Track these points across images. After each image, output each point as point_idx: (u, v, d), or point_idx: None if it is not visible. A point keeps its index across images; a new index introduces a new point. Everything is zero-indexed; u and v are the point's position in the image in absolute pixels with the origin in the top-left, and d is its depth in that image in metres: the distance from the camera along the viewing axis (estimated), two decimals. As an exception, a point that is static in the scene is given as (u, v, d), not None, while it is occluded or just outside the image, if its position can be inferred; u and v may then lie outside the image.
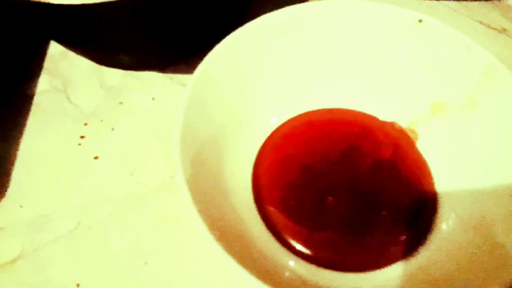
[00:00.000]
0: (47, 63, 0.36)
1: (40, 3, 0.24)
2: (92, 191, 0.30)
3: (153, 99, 0.34)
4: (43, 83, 0.35)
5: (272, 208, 0.27)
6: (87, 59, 0.36)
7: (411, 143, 0.27)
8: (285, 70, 0.28)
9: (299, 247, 0.25)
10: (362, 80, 0.28)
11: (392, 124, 0.28)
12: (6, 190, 0.30)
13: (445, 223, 0.24)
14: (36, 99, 0.34)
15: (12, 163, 0.31)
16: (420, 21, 0.25)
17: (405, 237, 0.24)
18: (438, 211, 0.25)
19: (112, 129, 0.33)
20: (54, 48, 0.37)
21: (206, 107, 0.25)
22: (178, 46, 0.34)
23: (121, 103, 0.34)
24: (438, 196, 0.26)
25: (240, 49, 0.26)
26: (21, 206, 0.30)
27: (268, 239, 0.26)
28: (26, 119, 0.33)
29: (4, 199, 0.30)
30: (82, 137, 0.32)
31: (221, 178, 0.26)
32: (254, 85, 0.27)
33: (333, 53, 0.28)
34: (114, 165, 0.31)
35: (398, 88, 0.27)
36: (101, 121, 0.33)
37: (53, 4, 0.24)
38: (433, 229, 0.24)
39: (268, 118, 0.29)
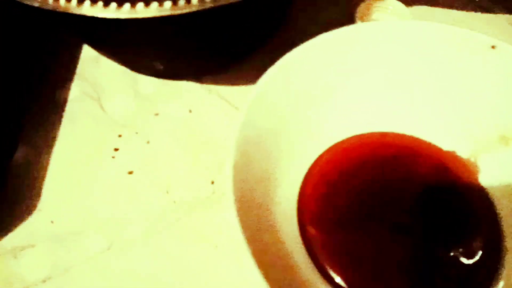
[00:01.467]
0: (79, 68, 0.35)
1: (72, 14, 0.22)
2: (126, 208, 0.29)
3: (190, 111, 0.33)
4: (75, 89, 0.34)
5: (317, 242, 0.25)
6: (121, 65, 0.34)
7: (472, 176, 0.25)
8: (339, 91, 0.26)
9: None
10: (422, 104, 0.26)
11: (452, 154, 0.26)
12: (37, 203, 0.29)
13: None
14: (68, 107, 0.33)
15: (43, 173, 0.30)
16: (493, 47, 0.23)
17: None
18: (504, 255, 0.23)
19: (148, 142, 0.31)
20: (86, 52, 0.36)
21: (258, 133, 0.23)
22: (215, 56, 0.33)
23: (156, 114, 0.32)
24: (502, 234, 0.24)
25: (295, 71, 0.24)
26: (52, 222, 0.28)
27: (311, 270, 0.25)
28: (58, 127, 0.32)
29: (35, 213, 0.29)
30: (116, 149, 0.31)
31: (269, 206, 0.24)
32: (307, 108, 0.26)
33: (391, 75, 0.26)
34: (149, 181, 0.30)
35: (462, 116, 0.25)
36: (136, 133, 0.32)
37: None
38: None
39: (319, 141, 0.27)
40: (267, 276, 0.19)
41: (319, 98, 0.26)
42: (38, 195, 0.29)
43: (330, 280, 0.24)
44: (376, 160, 0.27)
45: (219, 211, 0.29)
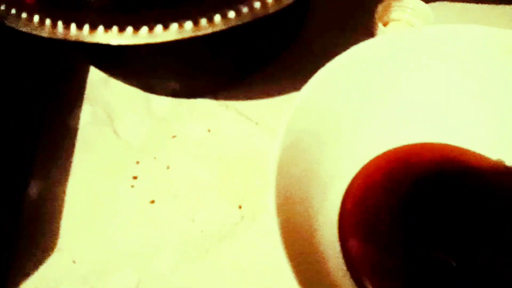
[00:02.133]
0: (88, 91, 0.33)
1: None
2: (151, 241, 0.27)
3: (208, 131, 0.31)
4: (86, 114, 0.32)
5: (357, 257, 0.23)
6: (132, 86, 0.32)
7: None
8: (379, 103, 0.24)
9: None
10: (468, 113, 0.24)
11: (500, 163, 0.24)
12: (56, 242, 0.27)
13: None
14: (80, 133, 0.31)
15: (59, 207, 0.28)
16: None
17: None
18: None
19: (167, 167, 0.29)
20: (94, 74, 0.34)
21: (297, 156, 0.21)
22: (231, 70, 0.31)
23: (174, 136, 0.31)
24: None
25: (333, 84, 0.22)
26: (74, 262, 0.26)
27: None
28: (72, 157, 0.30)
29: (55, 253, 0.27)
30: (134, 177, 0.29)
31: (311, 225, 0.23)
32: (346, 122, 0.24)
33: (435, 82, 0.24)
34: (173, 210, 0.28)
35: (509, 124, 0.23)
36: (154, 158, 0.30)
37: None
38: None
39: (360, 154, 0.25)
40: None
41: (358, 111, 0.24)
42: (56, 232, 0.27)
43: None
44: (420, 173, 0.25)
45: (250, 237, 0.27)
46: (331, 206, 0.25)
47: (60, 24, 0.20)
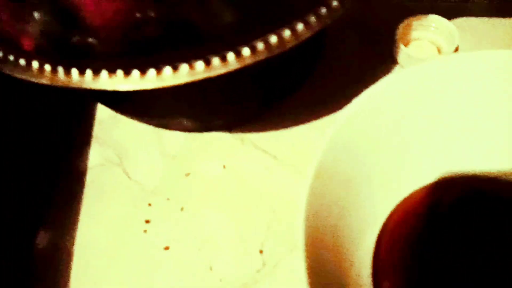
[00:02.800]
0: (96, 130, 0.32)
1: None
2: (166, 292, 0.25)
3: (224, 167, 0.29)
4: (95, 156, 0.30)
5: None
6: (142, 123, 0.31)
7: None
8: (413, 136, 0.22)
9: None
10: (503, 140, 0.22)
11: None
12: (65, 296, 0.25)
13: None
14: (89, 176, 0.29)
15: (69, 257, 0.26)
16: None
17: None
18: None
19: (182, 209, 0.27)
20: (102, 112, 0.32)
21: (328, 200, 0.19)
22: (248, 106, 0.29)
23: (187, 174, 0.29)
24: None
25: (363, 120, 0.20)
26: (85, 318, 0.24)
27: None
28: (81, 201, 0.28)
29: (65, 308, 0.25)
30: (147, 221, 0.27)
31: (344, 279, 0.20)
32: (377, 159, 0.22)
33: (466, 113, 0.22)
34: (188, 257, 0.26)
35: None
36: (168, 199, 0.28)
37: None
38: None
39: (391, 193, 0.23)
40: None
41: (389, 148, 0.22)
42: (66, 284, 0.26)
43: None
44: (458, 208, 0.23)
45: (274, 286, 0.24)
46: (365, 252, 0.23)
47: (60, 70, 0.19)
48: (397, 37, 0.31)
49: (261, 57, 0.18)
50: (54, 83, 0.19)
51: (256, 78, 0.24)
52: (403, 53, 0.31)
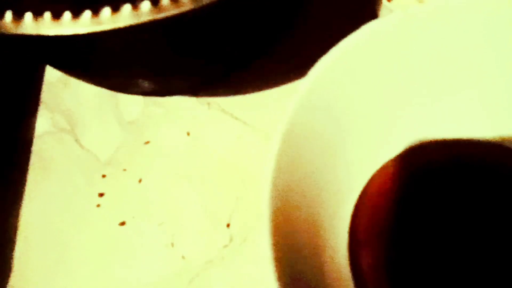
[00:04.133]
0: (44, 95, 0.28)
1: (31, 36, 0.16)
2: (122, 271, 0.22)
3: (188, 134, 0.26)
4: (42, 122, 0.27)
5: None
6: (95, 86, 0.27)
7: None
8: (392, 95, 0.20)
9: None
10: (498, 96, 0.20)
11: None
12: (8, 278, 0.23)
13: None
14: (36, 145, 0.26)
15: (12, 239, 0.24)
16: None
17: None
18: None
19: (139, 181, 0.25)
20: (51, 74, 0.29)
21: (298, 164, 0.17)
22: (214, 65, 0.26)
23: (147, 142, 0.26)
24: None
25: (337, 77, 0.18)
26: (29, 303, 0.22)
27: None
28: (25, 175, 0.25)
29: (6, 293, 0.22)
30: (100, 194, 0.24)
31: (317, 251, 0.18)
32: (352, 123, 0.19)
33: (452, 66, 0.19)
34: (147, 233, 0.23)
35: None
36: (124, 170, 0.25)
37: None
38: None
39: (373, 155, 0.21)
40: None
41: (366, 107, 0.19)
42: (8, 267, 0.23)
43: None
44: (436, 174, 0.21)
45: (242, 263, 0.22)
46: (341, 223, 0.20)
47: (-26, 12, 0.15)
48: (380, -9, 0.28)
49: (219, -4, 0.15)
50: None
51: (222, 28, 0.21)
52: (385, 8, 0.28)
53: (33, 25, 0.15)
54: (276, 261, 0.14)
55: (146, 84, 0.26)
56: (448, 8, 0.19)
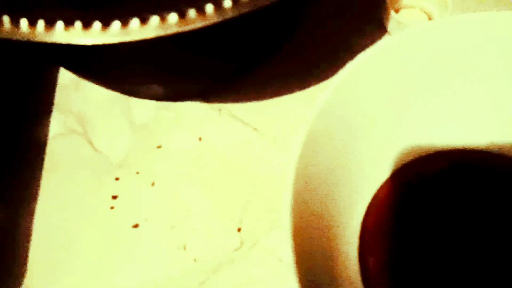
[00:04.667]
0: (57, 97, 0.29)
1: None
2: (135, 274, 0.23)
3: (200, 139, 0.27)
4: (56, 125, 0.27)
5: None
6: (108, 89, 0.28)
7: None
8: (404, 107, 0.20)
9: None
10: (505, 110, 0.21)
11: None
12: (23, 278, 0.23)
13: None
14: (50, 147, 0.27)
15: (27, 237, 0.24)
16: None
17: None
18: None
19: (152, 184, 0.25)
20: (64, 76, 0.29)
21: (316, 171, 0.17)
22: (222, 70, 0.27)
23: (159, 147, 0.26)
24: None
25: (356, 89, 0.18)
26: (43, 302, 0.22)
27: None
28: (40, 176, 0.26)
29: (21, 292, 0.23)
30: (114, 197, 0.25)
31: (333, 255, 0.19)
32: (367, 133, 0.20)
33: (462, 82, 0.20)
34: (160, 235, 0.24)
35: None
36: (137, 173, 0.26)
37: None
38: None
39: (383, 165, 0.21)
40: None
41: (380, 118, 0.20)
42: (23, 268, 0.23)
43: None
44: (445, 182, 0.21)
45: (252, 267, 0.23)
46: (354, 226, 0.21)
47: (6, 20, 0.16)
48: (388, 3, 0.29)
49: (244, 9, 0.16)
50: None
51: (232, 36, 0.22)
52: (394, 20, 0.29)
53: (65, 34, 0.16)
54: (297, 265, 0.15)
55: (158, 89, 0.27)
56: (454, 24, 0.20)
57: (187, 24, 0.16)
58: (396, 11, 0.30)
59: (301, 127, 0.17)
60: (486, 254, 0.21)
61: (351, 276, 0.20)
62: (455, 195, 0.22)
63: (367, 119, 0.20)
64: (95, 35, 0.16)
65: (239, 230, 0.24)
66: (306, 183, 0.17)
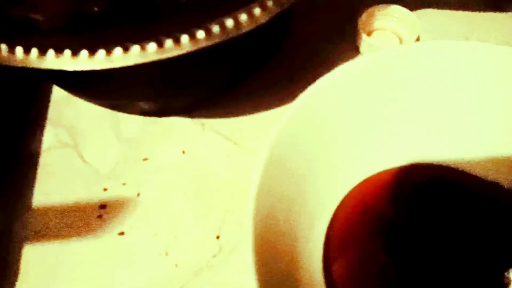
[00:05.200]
0: (50, 111, 0.30)
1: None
2: (120, 278, 0.25)
3: (183, 152, 0.28)
4: (49, 138, 0.29)
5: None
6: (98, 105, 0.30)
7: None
8: (370, 123, 0.22)
9: None
10: (462, 132, 0.23)
11: (496, 185, 0.22)
12: (16, 281, 0.25)
13: None
14: (42, 159, 0.28)
15: (18, 245, 0.26)
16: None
17: None
18: None
19: (138, 195, 0.27)
20: (57, 93, 0.31)
21: (281, 181, 0.19)
22: (206, 88, 0.29)
23: (145, 159, 0.28)
24: None
25: (320, 104, 0.20)
26: (34, 306, 0.24)
27: None
28: (32, 186, 0.27)
29: (13, 296, 0.24)
30: (102, 206, 0.27)
31: (295, 261, 0.21)
32: (333, 144, 0.22)
33: (426, 102, 0.22)
34: (144, 242, 0.26)
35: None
36: (123, 184, 0.27)
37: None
38: None
39: (346, 179, 0.23)
40: None
41: (347, 132, 0.22)
42: (16, 271, 0.25)
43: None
44: (411, 194, 0.23)
45: (229, 272, 0.25)
46: (319, 234, 0.23)
47: (4, 47, 0.18)
48: (360, 26, 0.31)
49: (216, 40, 0.18)
50: (-4, 61, 0.18)
51: (213, 59, 0.24)
52: (365, 43, 0.31)
53: (55, 60, 0.18)
54: (257, 265, 0.17)
55: (144, 105, 0.29)
56: (422, 50, 0.22)
57: (164, 53, 0.18)
58: (369, 33, 0.32)
59: (266, 140, 0.19)
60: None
61: (314, 278, 0.21)
62: (419, 205, 0.24)
63: (325, 141, 0.22)
64: (82, 61, 0.18)
65: (217, 237, 0.26)
66: (271, 192, 0.18)
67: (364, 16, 0.31)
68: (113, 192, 0.27)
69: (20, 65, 0.18)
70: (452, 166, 0.24)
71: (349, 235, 0.23)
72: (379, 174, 0.24)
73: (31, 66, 0.18)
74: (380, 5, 0.32)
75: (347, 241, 0.23)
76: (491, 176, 0.23)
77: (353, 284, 0.22)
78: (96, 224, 0.26)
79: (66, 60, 0.18)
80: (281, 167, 0.19)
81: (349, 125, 0.22)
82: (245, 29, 0.18)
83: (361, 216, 0.24)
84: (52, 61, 0.18)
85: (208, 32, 0.18)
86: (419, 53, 0.22)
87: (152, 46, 0.18)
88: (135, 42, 0.18)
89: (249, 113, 0.30)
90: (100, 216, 0.26)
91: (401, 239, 0.23)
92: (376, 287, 0.22)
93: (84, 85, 0.26)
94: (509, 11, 0.35)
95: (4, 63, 0.18)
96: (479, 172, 0.23)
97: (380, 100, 0.23)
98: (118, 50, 0.18)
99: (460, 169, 0.24)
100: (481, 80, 0.21)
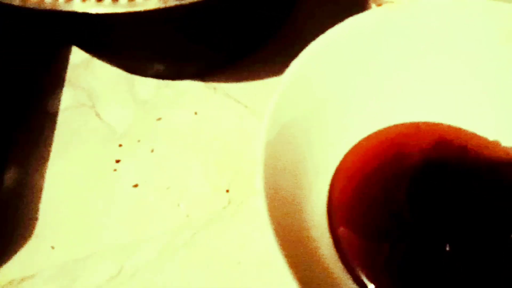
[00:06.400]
0: (69, 74, 0.32)
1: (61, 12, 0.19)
2: (134, 227, 0.26)
3: (195, 113, 0.30)
4: (67, 98, 0.31)
5: (347, 243, 0.23)
6: (114, 67, 0.31)
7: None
8: (371, 81, 0.23)
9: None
10: (463, 91, 0.24)
11: (495, 144, 0.23)
12: (33, 228, 0.26)
13: None
14: (61, 117, 0.30)
15: (38, 194, 0.27)
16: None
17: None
18: None
19: (152, 151, 0.28)
20: (76, 55, 0.32)
21: (286, 135, 0.20)
22: (220, 52, 0.30)
23: (159, 119, 0.29)
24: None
25: (322, 61, 0.21)
26: (52, 248, 0.25)
27: (340, 270, 0.22)
28: (51, 142, 0.29)
29: (32, 239, 0.26)
30: (117, 161, 0.28)
31: (300, 205, 0.22)
32: (335, 101, 0.23)
33: (427, 61, 0.23)
34: (157, 195, 0.27)
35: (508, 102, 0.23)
36: (138, 141, 0.29)
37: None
38: None
39: (349, 134, 0.24)
40: (299, 277, 0.17)
41: (347, 92, 0.23)
42: (34, 219, 0.26)
43: (358, 281, 0.22)
44: (412, 154, 0.24)
45: (238, 223, 0.26)
46: (320, 194, 0.24)
47: (34, -9, 0.19)
48: (369, -2, 0.32)
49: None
50: (27, 5, 0.19)
51: (227, 21, 0.25)
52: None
53: (82, 4, 0.19)
54: (269, 209, 0.18)
55: (159, 68, 0.30)
56: (425, 8, 0.23)
57: (184, -1, 0.19)
58: (378, 6, 0.33)
59: (267, 106, 0.20)
60: (459, 224, 0.23)
61: (317, 220, 0.22)
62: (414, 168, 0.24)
63: (333, 93, 0.23)
64: (106, 6, 0.19)
65: (227, 191, 0.27)
66: (276, 147, 0.20)
67: (373, -12, 0.32)
68: (128, 148, 0.28)
69: (49, 8, 0.19)
70: (455, 126, 0.25)
71: (352, 199, 0.24)
72: (377, 133, 0.25)
73: (59, 10, 0.19)
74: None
75: (350, 205, 0.24)
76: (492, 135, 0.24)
77: (359, 249, 0.23)
78: (111, 177, 0.27)
79: (92, 4, 0.19)
80: (283, 127, 0.20)
81: (347, 85, 0.23)
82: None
83: (362, 177, 0.24)
84: (79, 4, 0.19)
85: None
86: (415, 11, 0.23)
87: (172, -8, 0.19)
88: (156, -11, 0.19)
89: (260, 79, 0.31)
90: (115, 170, 0.28)
91: (404, 201, 0.24)
92: (382, 250, 0.23)
93: (103, 44, 0.28)
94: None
95: (34, 7, 0.19)
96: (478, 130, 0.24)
97: (377, 57, 0.23)
98: (140, -4, 0.19)
99: (464, 129, 0.24)
100: (483, 36, 0.22)
